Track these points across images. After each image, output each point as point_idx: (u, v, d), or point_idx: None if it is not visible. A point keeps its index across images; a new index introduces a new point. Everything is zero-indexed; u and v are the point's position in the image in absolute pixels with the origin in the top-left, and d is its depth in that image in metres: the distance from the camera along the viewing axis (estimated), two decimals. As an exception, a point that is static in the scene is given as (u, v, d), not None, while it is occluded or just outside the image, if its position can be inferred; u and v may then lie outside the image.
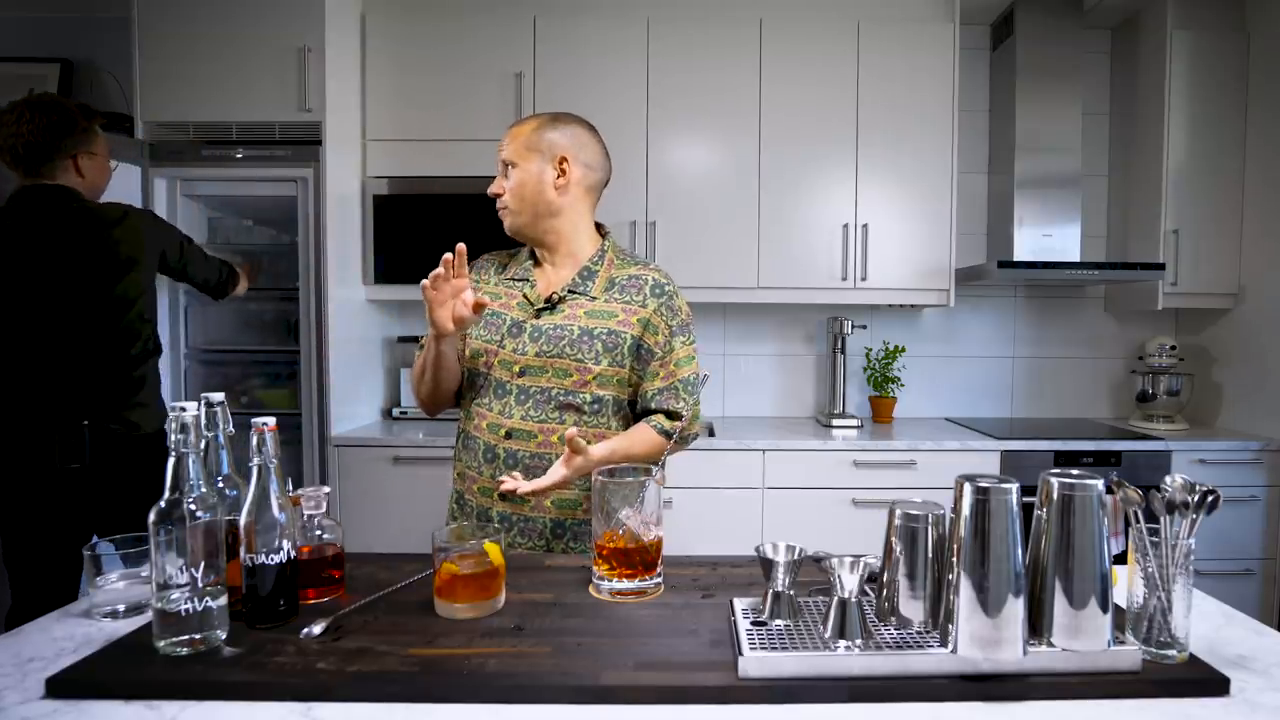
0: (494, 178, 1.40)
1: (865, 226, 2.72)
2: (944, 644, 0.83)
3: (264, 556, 0.92)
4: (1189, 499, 0.86)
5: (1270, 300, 2.63)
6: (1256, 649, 0.92)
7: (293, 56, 2.42)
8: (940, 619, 0.86)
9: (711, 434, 2.65)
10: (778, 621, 0.90)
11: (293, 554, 0.94)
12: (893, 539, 0.89)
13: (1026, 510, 0.80)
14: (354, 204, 2.66)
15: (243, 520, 0.92)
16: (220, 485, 0.96)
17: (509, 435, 1.32)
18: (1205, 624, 0.99)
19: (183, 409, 0.87)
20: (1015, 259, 2.81)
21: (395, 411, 2.89)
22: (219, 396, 0.97)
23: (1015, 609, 0.80)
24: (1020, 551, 0.82)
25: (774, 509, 2.50)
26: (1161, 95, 2.73)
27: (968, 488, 0.82)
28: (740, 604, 0.96)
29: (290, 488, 1.00)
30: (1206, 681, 0.82)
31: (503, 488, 1.24)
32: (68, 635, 0.95)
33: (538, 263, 1.43)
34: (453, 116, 2.68)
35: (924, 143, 2.71)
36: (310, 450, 2.49)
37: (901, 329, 3.11)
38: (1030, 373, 3.13)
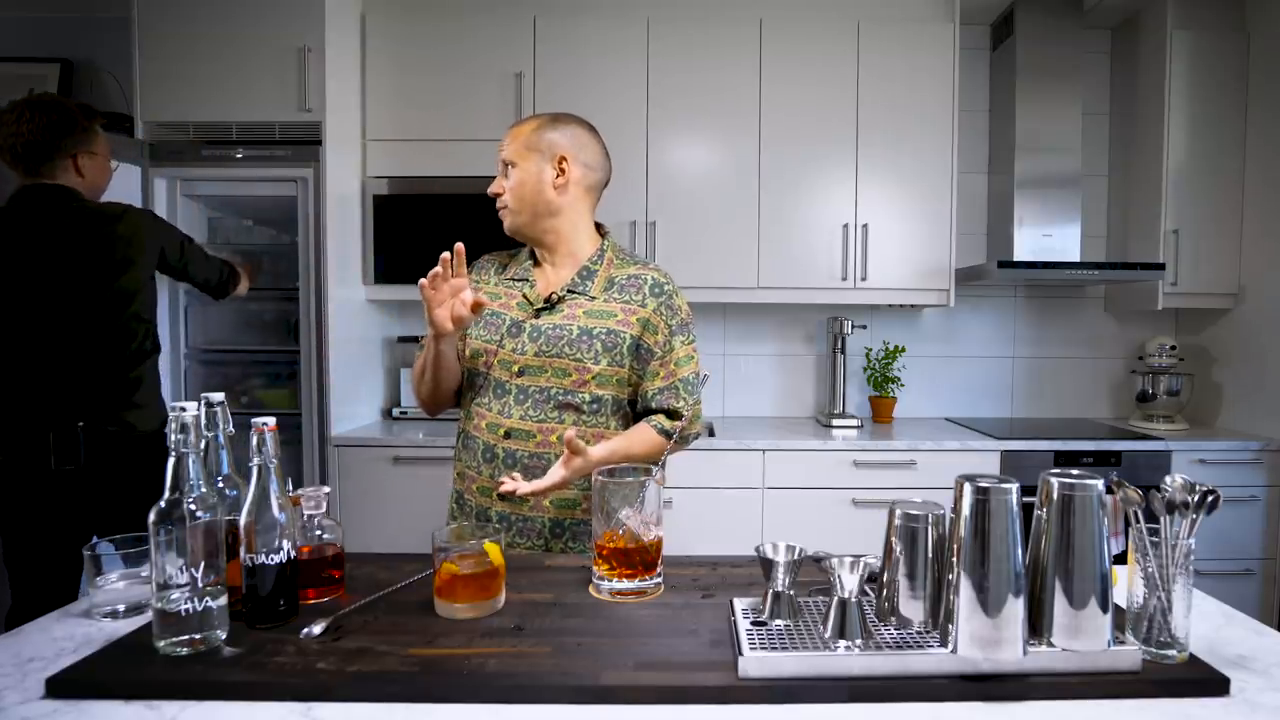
0: (494, 178, 1.40)
1: (865, 226, 2.72)
2: (944, 644, 0.83)
3: (264, 556, 0.92)
4: (1189, 499, 0.86)
5: (1270, 300, 2.63)
6: (1256, 649, 0.92)
7: (293, 56, 2.42)
8: (940, 619, 0.86)
9: (711, 434, 2.65)
10: (778, 621, 0.90)
11: (293, 554, 0.94)
12: (893, 539, 0.89)
13: (1026, 510, 0.80)
14: (354, 204, 2.66)
15: (243, 520, 0.92)
16: (220, 485, 0.96)
17: (508, 435, 1.32)
18: (1205, 624, 0.99)
19: (183, 409, 0.87)
20: (1015, 259, 2.81)
21: (395, 411, 2.89)
22: (219, 396, 0.97)
23: (1015, 609, 0.80)
24: (1020, 551, 0.82)
25: (774, 509, 2.50)
26: (1161, 95, 2.73)
27: (968, 488, 0.82)
28: (740, 604, 0.96)
29: (290, 488, 1.00)
30: (1206, 681, 0.82)
31: (501, 489, 1.24)
32: (68, 635, 0.95)
33: (537, 263, 1.43)
34: (453, 116, 2.68)
35: (924, 143, 2.71)
36: (310, 450, 2.49)
37: (901, 329, 3.11)
38: (1030, 373, 3.13)
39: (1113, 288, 3.06)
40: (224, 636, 0.88)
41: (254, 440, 0.92)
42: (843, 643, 0.84)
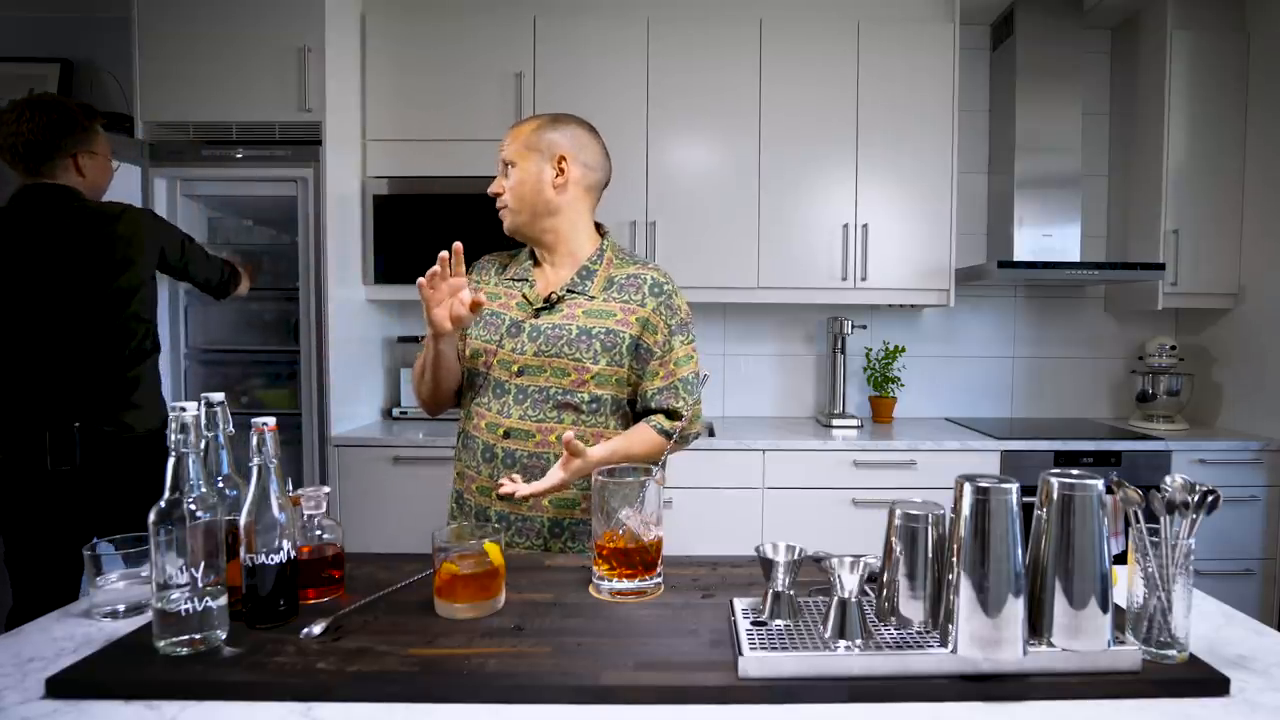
0: (494, 178, 1.41)
1: (865, 226, 2.72)
2: (944, 644, 0.83)
3: (264, 556, 0.92)
4: (1189, 499, 0.86)
5: (1270, 300, 2.63)
6: (1256, 649, 0.92)
7: (293, 56, 2.42)
8: (940, 619, 0.86)
9: (711, 434, 2.65)
10: (778, 621, 0.90)
11: (293, 554, 0.94)
12: (893, 539, 0.89)
13: (1026, 510, 0.80)
14: (354, 204, 2.66)
15: (243, 520, 0.92)
16: (220, 485, 0.96)
17: (507, 435, 1.32)
18: (1205, 624, 0.99)
19: (183, 409, 0.87)
20: (1015, 259, 2.81)
21: (395, 411, 2.89)
22: (219, 396, 0.97)
23: (1015, 609, 0.80)
24: (1020, 551, 0.82)
25: (774, 509, 2.50)
26: (1161, 95, 2.73)
27: (968, 488, 0.82)
28: (740, 604, 0.96)
29: (290, 488, 1.00)
30: (1206, 681, 0.82)
31: (500, 491, 1.24)
32: (68, 635, 0.95)
33: (537, 263, 1.43)
34: (453, 116, 2.68)
35: (924, 143, 2.71)
36: (310, 450, 2.49)
37: (901, 329, 3.11)
38: (1030, 373, 3.13)
39: (1113, 288, 3.06)
40: (224, 636, 0.88)
41: (254, 440, 0.92)
42: (843, 643, 0.84)
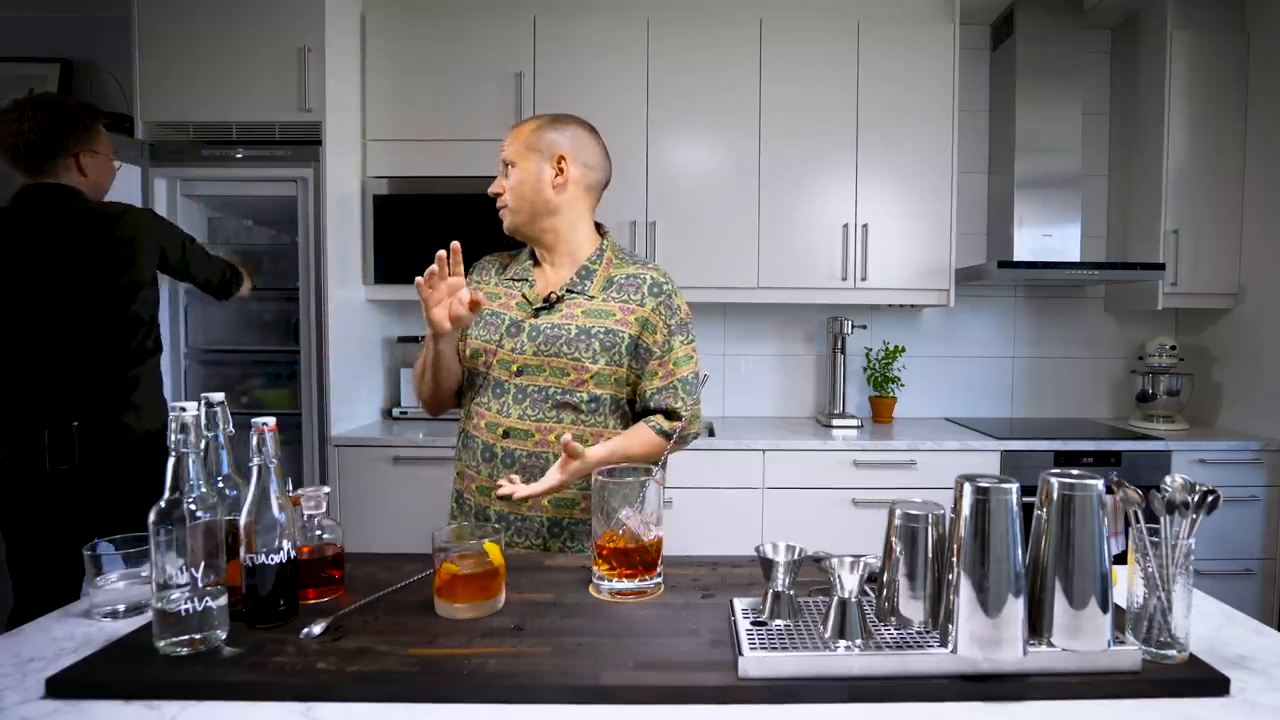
0: (494, 178, 1.41)
1: (865, 226, 2.72)
2: (944, 644, 0.83)
3: (264, 556, 0.92)
4: (1189, 499, 0.86)
5: (1270, 300, 2.63)
6: (1256, 649, 0.92)
7: (293, 56, 2.42)
8: (940, 619, 0.86)
9: (711, 434, 2.65)
10: (778, 621, 0.90)
11: (293, 554, 0.95)
12: (893, 539, 0.89)
13: (1026, 510, 0.80)
14: (354, 204, 2.66)
15: (243, 520, 0.92)
16: (220, 485, 0.96)
17: (507, 434, 1.32)
18: (1205, 624, 0.99)
19: (183, 409, 0.87)
20: (1015, 259, 2.81)
21: (395, 411, 2.89)
22: (219, 396, 0.97)
23: (1015, 609, 0.80)
24: (1020, 551, 0.82)
25: (774, 509, 2.50)
26: (1161, 95, 2.73)
27: (968, 488, 0.82)
28: (740, 604, 0.96)
29: (290, 488, 1.00)
30: (1206, 681, 0.82)
31: (499, 492, 1.24)
32: (68, 635, 0.95)
33: (537, 263, 1.43)
34: (453, 116, 2.68)
35: (924, 143, 2.71)
36: (310, 450, 2.49)
37: (901, 329, 3.11)
38: (1030, 373, 3.13)
39: (1113, 288, 3.06)
40: (224, 636, 0.88)
41: (254, 440, 0.92)
42: (843, 643, 0.84)
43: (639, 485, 1.05)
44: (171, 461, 0.87)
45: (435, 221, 2.65)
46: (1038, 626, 0.84)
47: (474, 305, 1.25)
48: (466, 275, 1.39)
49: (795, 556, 0.93)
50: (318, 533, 1.06)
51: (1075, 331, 3.12)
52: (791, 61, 2.70)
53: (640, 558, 1.05)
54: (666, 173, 2.72)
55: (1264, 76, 2.66)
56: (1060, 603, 0.83)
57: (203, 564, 0.86)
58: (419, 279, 1.24)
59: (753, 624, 0.90)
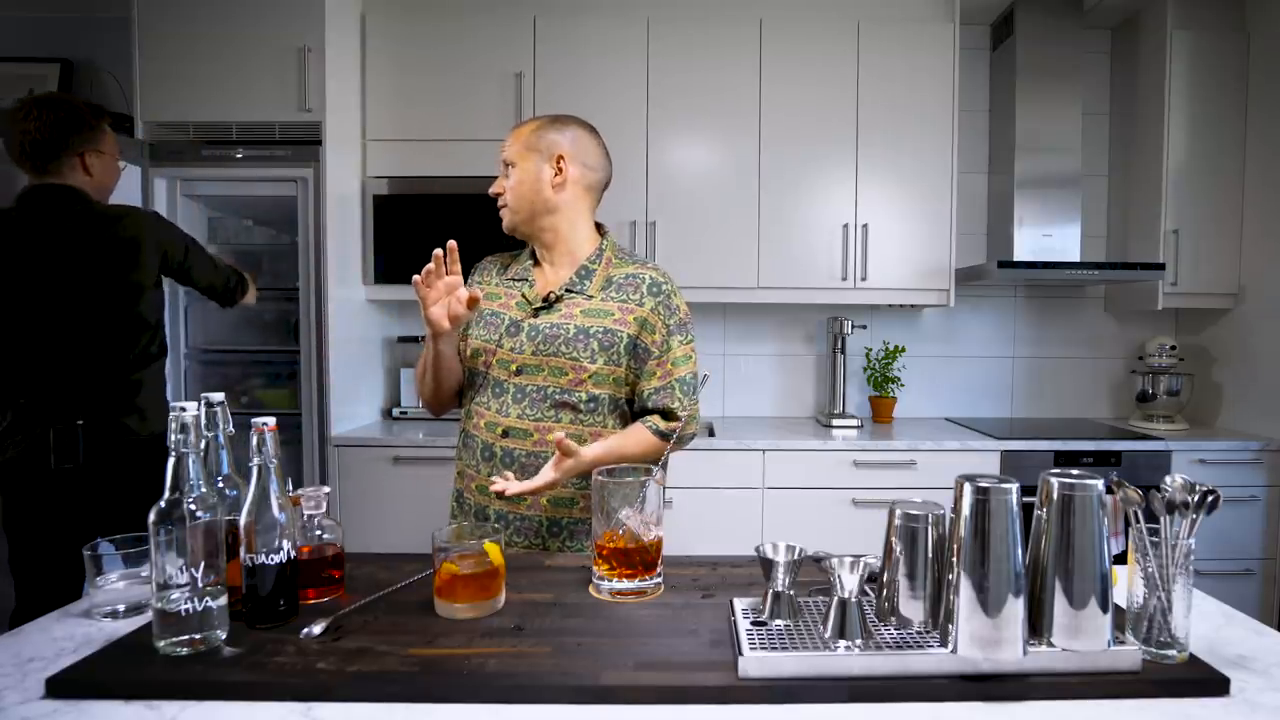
0: (494, 178, 1.41)
1: (865, 226, 2.72)
2: (944, 644, 0.83)
3: (264, 556, 0.92)
4: (1189, 499, 0.86)
5: (1270, 300, 2.63)
6: (1256, 649, 0.92)
7: (293, 56, 2.42)
8: (940, 619, 0.86)
9: (711, 434, 2.65)
10: (778, 621, 0.90)
11: (293, 554, 0.94)
12: (893, 539, 0.89)
13: (1026, 510, 0.80)
14: (354, 204, 2.66)
15: (243, 520, 0.92)
16: (220, 485, 0.96)
17: (506, 434, 1.33)
18: (1205, 624, 0.99)
19: (183, 409, 0.87)
20: (1015, 259, 2.81)
21: (395, 411, 2.89)
22: (219, 396, 0.97)
23: (1015, 609, 0.80)
24: (1020, 551, 0.82)
25: (774, 509, 2.50)
26: (1161, 95, 2.73)
27: (968, 488, 0.82)
28: (740, 604, 0.96)
29: (290, 488, 1.00)
30: (1206, 681, 0.82)
31: (493, 488, 1.24)
32: (68, 635, 0.95)
33: (537, 263, 1.43)
34: (453, 116, 2.68)
35: (924, 143, 2.71)
36: (310, 450, 2.49)
37: (901, 329, 3.11)
38: (1030, 373, 3.13)
39: (1113, 288, 3.06)
40: (224, 636, 0.88)
41: (254, 440, 0.92)
42: (843, 643, 0.84)
43: (639, 485, 1.05)
44: (171, 461, 0.87)
45: (435, 221, 2.65)
46: (1038, 626, 0.84)
47: (472, 303, 1.24)
48: (467, 276, 1.40)
49: (795, 556, 0.93)
50: (318, 533, 1.06)
51: (1075, 331, 3.12)
52: (791, 61, 2.70)
53: (640, 558, 1.05)
54: (666, 173, 2.72)
55: (1264, 76, 2.66)
56: (1060, 603, 0.83)
57: (203, 564, 0.86)
58: (416, 277, 1.24)
59: (753, 624, 0.90)
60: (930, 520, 0.88)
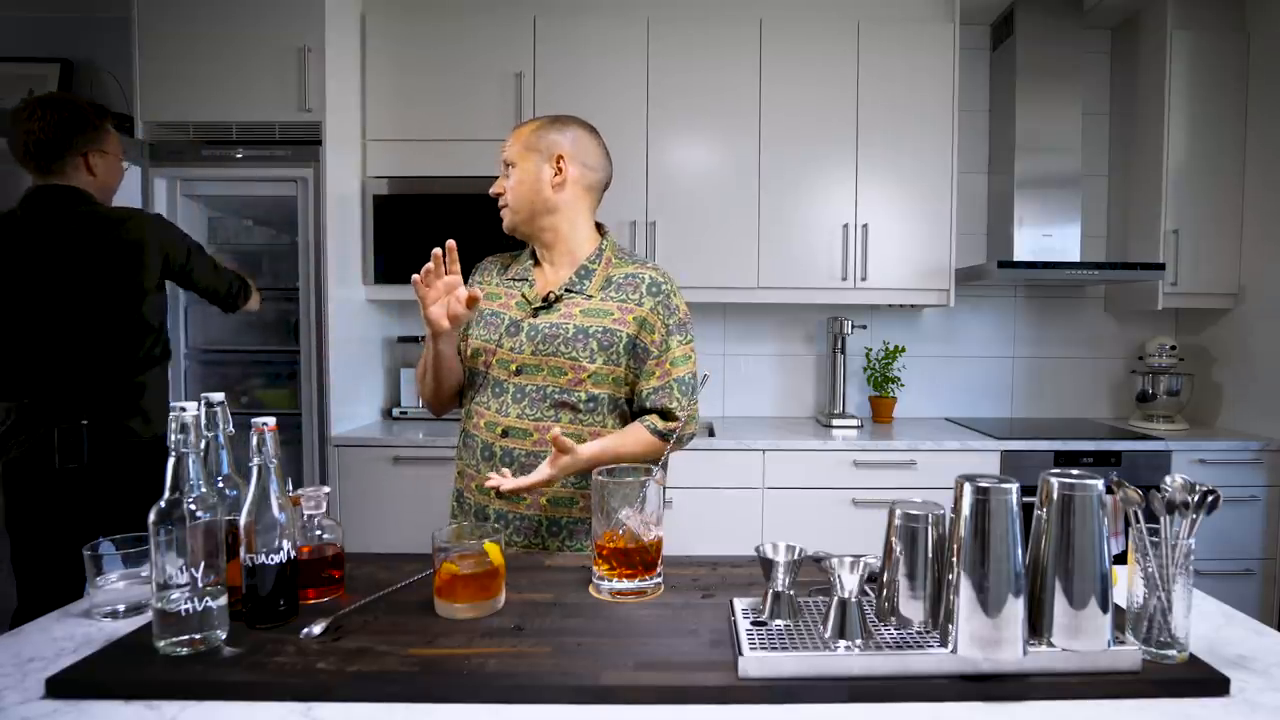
0: (494, 177, 1.42)
1: (865, 226, 2.72)
2: (944, 644, 0.83)
3: (264, 556, 0.92)
4: (1189, 499, 0.86)
5: (1270, 300, 2.63)
6: (1256, 649, 0.92)
7: (293, 56, 2.42)
8: (940, 619, 0.86)
9: (711, 434, 2.65)
10: (778, 621, 0.90)
11: (293, 554, 0.94)
12: (893, 539, 0.89)
13: (1026, 510, 0.80)
14: (354, 204, 2.66)
15: (243, 520, 0.92)
16: (220, 485, 0.97)
17: (505, 433, 1.33)
18: (1205, 624, 0.99)
19: (183, 409, 0.87)
20: (1015, 259, 2.81)
21: (395, 411, 2.89)
22: (219, 396, 0.97)
23: (1015, 609, 0.80)
24: (1020, 551, 0.82)
25: (774, 509, 2.50)
26: (1161, 95, 2.73)
27: (968, 488, 0.82)
28: (740, 604, 0.96)
29: (290, 488, 1.00)
30: (1206, 681, 0.82)
31: (488, 484, 1.24)
32: (68, 635, 0.95)
33: (538, 263, 1.43)
34: (453, 116, 2.68)
35: (924, 143, 2.71)
36: (310, 450, 2.49)
37: (901, 329, 3.11)
38: (1030, 373, 3.13)
39: (1113, 288, 3.06)
40: (224, 636, 0.88)
41: (254, 440, 0.92)
42: (843, 643, 0.84)
43: (639, 485, 1.05)
44: (171, 461, 0.87)
45: (435, 221, 2.65)
46: (1038, 626, 0.84)
47: (472, 302, 1.24)
48: (468, 276, 1.40)
49: (795, 556, 0.93)
50: (318, 533, 1.06)
51: (1075, 331, 3.12)
52: (791, 61, 2.70)
53: (640, 558, 1.05)
54: (666, 173, 2.72)
55: (1264, 76, 2.66)
56: (1060, 603, 0.83)
57: (203, 564, 0.86)
58: (415, 277, 1.24)
59: (753, 624, 0.90)
60: (930, 520, 0.88)
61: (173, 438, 0.87)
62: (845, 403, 2.92)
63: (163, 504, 0.85)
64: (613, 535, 1.05)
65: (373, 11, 2.70)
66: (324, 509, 1.08)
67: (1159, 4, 2.76)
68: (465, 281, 1.30)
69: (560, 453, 1.21)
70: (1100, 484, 0.84)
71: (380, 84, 2.70)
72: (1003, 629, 0.80)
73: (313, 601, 1.01)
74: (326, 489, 1.11)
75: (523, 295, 1.38)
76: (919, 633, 0.86)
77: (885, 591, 0.90)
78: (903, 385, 3.03)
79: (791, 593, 0.93)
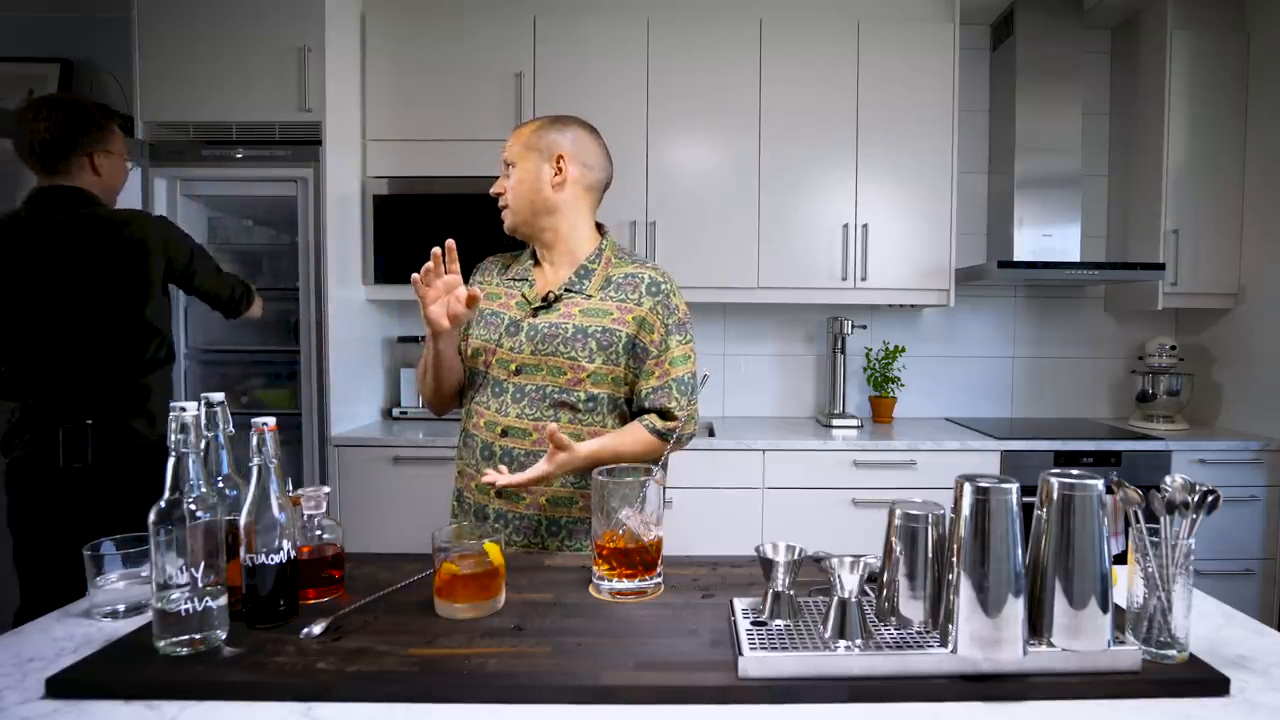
0: (494, 177, 1.42)
1: (865, 226, 2.72)
2: (944, 644, 0.83)
3: (264, 556, 0.92)
4: (1189, 499, 0.86)
5: (1270, 300, 2.63)
6: (1256, 649, 0.92)
7: (293, 56, 2.42)
8: (940, 619, 0.86)
9: (711, 434, 2.65)
10: (778, 621, 0.90)
11: (293, 554, 0.95)
12: (893, 539, 0.89)
13: (1026, 510, 0.80)
14: (354, 204, 2.66)
15: (243, 520, 0.92)
16: (220, 485, 0.97)
17: (505, 433, 1.33)
18: (1205, 624, 0.99)
19: (183, 409, 0.88)
20: (1015, 259, 2.81)
21: (395, 411, 2.89)
22: (219, 396, 0.97)
23: (1015, 609, 0.80)
24: (1020, 551, 0.82)
25: (774, 509, 2.50)
26: (1161, 95, 2.73)
27: (968, 488, 0.82)
28: (740, 604, 0.96)
29: (290, 488, 1.00)
30: (1206, 681, 0.82)
31: (484, 479, 1.24)
32: (68, 635, 0.95)
33: (538, 263, 1.43)
34: (453, 116, 2.68)
35: (924, 143, 2.71)
36: (310, 450, 2.49)
37: (901, 329, 3.11)
38: (1030, 373, 3.13)
39: (1113, 288, 3.06)
40: (224, 636, 0.88)
41: (254, 440, 0.92)
42: (843, 643, 0.84)
43: (639, 485, 1.05)
44: (171, 461, 0.87)
45: (435, 221, 2.65)
46: (1038, 626, 0.84)
47: (471, 301, 1.24)
48: (469, 276, 1.40)
49: (795, 556, 0.93)
50: (318, 533, 1.06)
51: (1075, 331, 3.12)
52: (791, 61, 2.70)
53: (640, 558, 1.05)
54: (666, 173, 2.72)
55: (1264, 76, 2.66)
56: (1060, 603, 0.83)
57: (203, 564, 0.86)
58: (415, 276, 1.24)
59: (753, 624, 0.90)
60: (930, 520, 0.88)
61: (173, 438, 0.87)
62: (845, 403, 2.92)
63: (163, 504, 0.85)
64: (613, 535, 1.05)
65: (373, 11, 2.70)
66: (324, 509, 1.08)
67: (1159, 4, 2.76)
68: (465, 281, 1.30)
69: (557, 449, 1.21)
70: (1100, 484, 0.84)
71: (380, 84, 2.70)
72: (1003, 629, 0.80)
73: (313, 601, 1.01)
74: (326, 489, 1.11)
75: (522, 295, 1.39)
76: (919, 633, 0.86)
77: (885, 591, 0.90)
78: (903, 385, 3.03)
79: (791, 593, 0.93)
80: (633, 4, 2.71)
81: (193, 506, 0.86)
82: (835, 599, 0.87)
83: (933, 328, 3.12)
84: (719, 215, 2.72)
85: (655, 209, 2.72)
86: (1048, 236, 2.83)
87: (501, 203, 1.39)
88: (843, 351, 2.91)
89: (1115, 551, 0.86)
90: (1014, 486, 0.82)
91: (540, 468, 1.23)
